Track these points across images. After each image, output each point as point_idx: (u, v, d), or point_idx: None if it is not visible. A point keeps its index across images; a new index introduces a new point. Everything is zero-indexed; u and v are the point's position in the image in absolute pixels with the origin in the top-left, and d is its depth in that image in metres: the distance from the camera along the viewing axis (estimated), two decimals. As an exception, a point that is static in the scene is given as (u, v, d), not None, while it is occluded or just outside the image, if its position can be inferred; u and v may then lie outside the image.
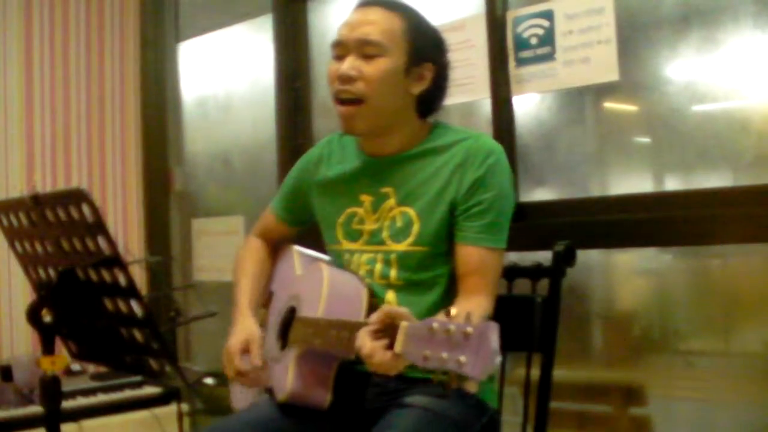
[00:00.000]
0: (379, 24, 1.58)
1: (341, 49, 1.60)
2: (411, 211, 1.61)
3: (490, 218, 1.57)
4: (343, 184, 1.71)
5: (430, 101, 1.66)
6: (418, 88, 1.62)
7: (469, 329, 1.08)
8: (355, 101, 1.57)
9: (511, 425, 1.78)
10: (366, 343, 1.26)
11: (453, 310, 1.14)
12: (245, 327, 1.69)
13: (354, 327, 1.37)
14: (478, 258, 1.57)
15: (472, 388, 1.09)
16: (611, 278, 2.28)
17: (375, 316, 1.28)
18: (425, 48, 1.62)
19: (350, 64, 1.57)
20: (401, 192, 1.63)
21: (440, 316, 1.17)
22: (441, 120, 1.71)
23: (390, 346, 1.22)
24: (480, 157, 1.58)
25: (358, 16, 1.61)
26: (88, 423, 2.74)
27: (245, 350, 1.65)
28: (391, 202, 1.63)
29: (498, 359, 1.07)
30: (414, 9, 1.65)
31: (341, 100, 1.59)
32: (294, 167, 1.86)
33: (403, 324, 1.20)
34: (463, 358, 1.07)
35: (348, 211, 1.69)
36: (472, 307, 1.50)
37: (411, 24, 1.61)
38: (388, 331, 1.24)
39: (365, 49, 1.56)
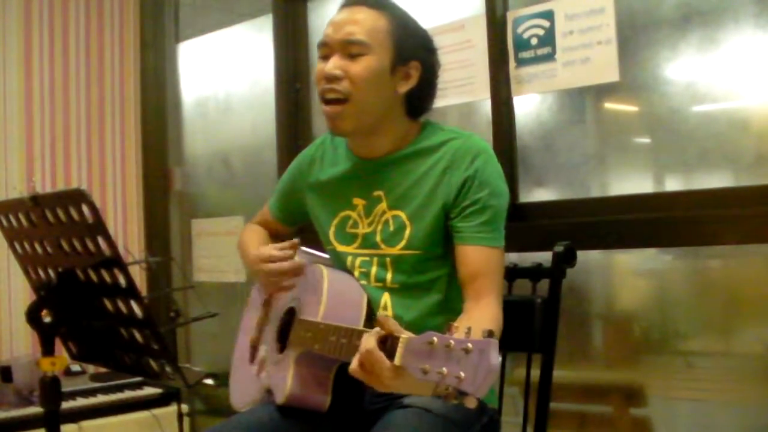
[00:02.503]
0: (363, 23, 1.57)
1: (326, 49, 1.60)
2: (402, 215, 1.60)
3: (486, 217, 1.55)
4: (336, 186, 1.71)
5: (418, 100, 1.64)
6: (404, 87, 1.60)
7: (469, 345, 1.07)
8: (341, 100, 1.56)
9: (511, 426, 1.78)
10: (371, 342, 1.23)
11: (454, 324, 1.13)
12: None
13: (353, 334, 1.36)
14: (479, 257, 1.55)
15: (471, 404, 1.08)
16: (611, 279, 2.27)
17: (375, 329, 1.26)
18: (411, 46, 1.60)
19: (334, 64, 1.56)
20: (392, 195, 1.62)
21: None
22: (433, 119, 1.70)
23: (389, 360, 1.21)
24: (468, 158, 1.57)
25: (342, 16, 1.60)
26: (88, 424, 2.74)
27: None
28: (383, 205, 1.63)
29: (496, 375, 1.07)
30: (400, 7, 1.64)
31: (327, 100, 1.58)
32: (288, 168, 1.87)
33: (404, 336, 1.19)
34: (462, 374, 1.06)
35: (342, 214, 1.68)
36: (481, 315, 1.49)
37: (396, 23, 1.60)
38: (387, 343, 1.23)
39: (350, 48, 1.56)
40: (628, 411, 2.16)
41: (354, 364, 1.26)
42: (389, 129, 1.63)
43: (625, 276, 2.26)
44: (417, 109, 1.65)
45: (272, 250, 1.68)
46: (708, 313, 2.04)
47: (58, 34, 3.33)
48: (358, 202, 1.66)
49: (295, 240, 1.67)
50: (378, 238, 1.62)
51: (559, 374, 1.71)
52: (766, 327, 1.92)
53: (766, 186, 1.84)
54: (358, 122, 1.58)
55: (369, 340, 1.23)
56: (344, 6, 1.63)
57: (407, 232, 1.59)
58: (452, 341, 1.09)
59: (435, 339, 1.11)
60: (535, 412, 1.68)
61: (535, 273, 1.75)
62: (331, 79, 1.56)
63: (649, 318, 2.15)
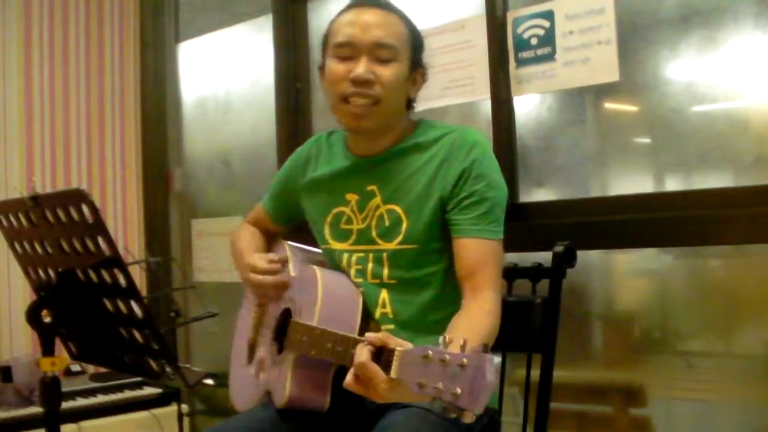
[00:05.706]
0: (389, 27, 1.57)
1: (351, 50, 1.57)
2: (398, 209, 1.60)
3: (483, 209, 1.54)
4: (330, 183, 1.71)
5: (413, 100, 1.68)
6: (414, 92, 1.65)
7: (465, 360, 1.06)
8: (371, 103, 1.56)
9: (511, 426, 1.78)
10: (363, 354, 1.23)
11: (448, 337, 1.12)
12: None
13: (349, 343, 1.36)
14: (476, 250, 1.54)
15: (468, 419, 1.08)
16: (611, 279, 2.27)
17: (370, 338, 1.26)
18: (420, 53, 1.65)
19: (367, 68, 1.55)
20: (386, 189, 1.62)
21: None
22: (433, 119, 1.72)
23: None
24: (464, 150, 1.57)
25: (366, 18, 1.58)
26: (88, 424, 2.74)
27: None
28: (377, 200, 1.63)
29: (492, 392, 1.06)
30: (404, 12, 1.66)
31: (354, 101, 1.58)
32: (283, 166, 1.87)
33: (399, 349, 1.19)
34: (458, 390, 1.05)
35: (335, 210, 1.68)
36: (479, 310, 1.49)
37: (410, 28, 1.63)
38: (382, 356, 1.22)
39: (379, 52, 1.56)
40: (628, 411, 2.16)
41: (349, 378, 1.26)
42: (394, 127, 1.64)
43: (625, 276, 2.26)
44: (410, 107, 1.69)
45: (260, 260, 1.69)
46: (708, 313, 2.03)
47: (58, 34, 3.33)
48: (351, 197, 1.66)
49: (284, 255, 1.71)
50: (374, 234, 1.61)
51: (559, 374, 1.71)
52: (766, 327, 1.92)
53: (766, 186, 1.84)
54: (381, 122, 1.60)
55: (362, 353, 1.23)
56: (360, 6, 1.61)
57: (404, 226, 1.58)
58: (447, 356, 1.08)
59: (430, 353, 1.10)
60: (535, 412, 1.68)
61: (535, 273, 1.75)
62: (363, 83, 1.54)
63: (649, 318, 2.15)
